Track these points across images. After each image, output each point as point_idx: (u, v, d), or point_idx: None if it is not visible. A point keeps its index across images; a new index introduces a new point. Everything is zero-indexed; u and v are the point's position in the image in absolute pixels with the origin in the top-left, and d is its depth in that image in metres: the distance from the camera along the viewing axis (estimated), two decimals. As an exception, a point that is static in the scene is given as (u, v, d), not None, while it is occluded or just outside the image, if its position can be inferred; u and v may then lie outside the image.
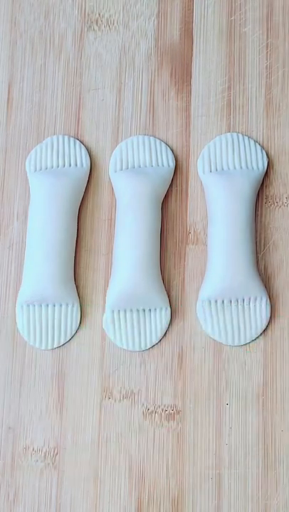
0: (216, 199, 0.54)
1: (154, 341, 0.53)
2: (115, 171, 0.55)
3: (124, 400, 0.53)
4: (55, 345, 0.54)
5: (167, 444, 0.53)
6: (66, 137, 0.56)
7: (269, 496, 0.52)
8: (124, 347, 0.53)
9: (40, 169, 0.55)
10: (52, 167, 0.55)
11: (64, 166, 0.56)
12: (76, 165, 0.56)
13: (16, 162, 0.56)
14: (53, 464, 0.53)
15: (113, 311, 0.53)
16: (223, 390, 0.53)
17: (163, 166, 0.55)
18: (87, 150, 0.57)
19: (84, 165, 0.56)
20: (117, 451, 0.52)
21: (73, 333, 0.54)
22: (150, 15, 0.58)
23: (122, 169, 0.55)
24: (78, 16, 0.58)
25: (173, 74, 0.57)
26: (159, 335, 0.53)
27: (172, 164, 0.56)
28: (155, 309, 0.53)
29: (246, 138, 0.56)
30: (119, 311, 0.53)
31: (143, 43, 0.57)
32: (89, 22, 0.58)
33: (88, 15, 0.58)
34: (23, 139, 0.57)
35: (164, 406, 0.53)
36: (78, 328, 0.54)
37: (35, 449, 0.53)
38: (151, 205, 0.53)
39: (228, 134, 0.56)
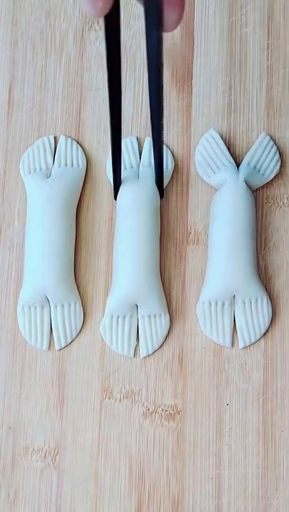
0: (216, 200, 0.54)
1: (155, 348, 0.54)
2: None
3: (125, 399, 0.53)
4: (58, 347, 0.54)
5: (167, 444, 0.53)
6: (62, 136, 0.56)
7: (269, 495, 0.52)
8: (120, 352, 0.53)
9: (35, 170, 0.55)
10: (47, 168, 0.55)
11: (60, 166, 0.55)
12: (72, 165, 0.56)
13: (17, 162, 0.56)
14: (53, 463, 0.53)
15: (112, 316, 0.53)
16: (223, 390, 0.53)
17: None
18: (88, 150, 0.57)
19: (80, 164, 0.56)
20: (117, 451, 0.52)
21: (75, 333, 0.54)
22: (151, 15, 0.58)
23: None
24: (79, 16, 0.58)
25: (174, 74, 0.57)
26: (160, 341, 0.53)
27: (171, 167, 0.56)
28: (154, 316, 0.53)
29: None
30: (118, 316, 0.53)
31: (144, 43, 0.57)
32: (90, 22, 0.58)
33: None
34: (23, 140, 0.57)
35: (164, 406, 0.53)
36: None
37: (36, 448, 0.53)
38: (150, 210, 0.53)
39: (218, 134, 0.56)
